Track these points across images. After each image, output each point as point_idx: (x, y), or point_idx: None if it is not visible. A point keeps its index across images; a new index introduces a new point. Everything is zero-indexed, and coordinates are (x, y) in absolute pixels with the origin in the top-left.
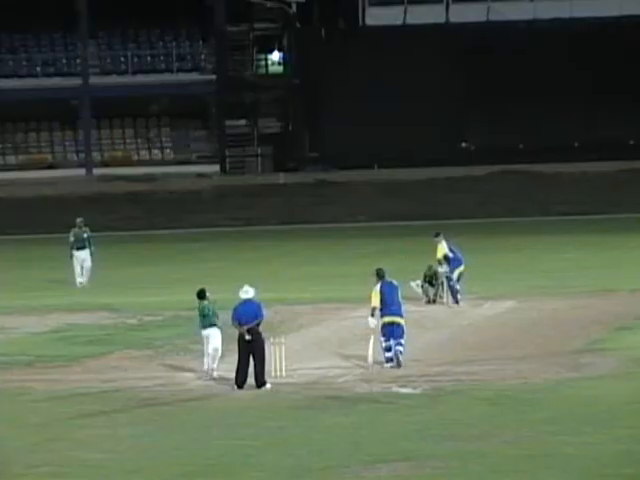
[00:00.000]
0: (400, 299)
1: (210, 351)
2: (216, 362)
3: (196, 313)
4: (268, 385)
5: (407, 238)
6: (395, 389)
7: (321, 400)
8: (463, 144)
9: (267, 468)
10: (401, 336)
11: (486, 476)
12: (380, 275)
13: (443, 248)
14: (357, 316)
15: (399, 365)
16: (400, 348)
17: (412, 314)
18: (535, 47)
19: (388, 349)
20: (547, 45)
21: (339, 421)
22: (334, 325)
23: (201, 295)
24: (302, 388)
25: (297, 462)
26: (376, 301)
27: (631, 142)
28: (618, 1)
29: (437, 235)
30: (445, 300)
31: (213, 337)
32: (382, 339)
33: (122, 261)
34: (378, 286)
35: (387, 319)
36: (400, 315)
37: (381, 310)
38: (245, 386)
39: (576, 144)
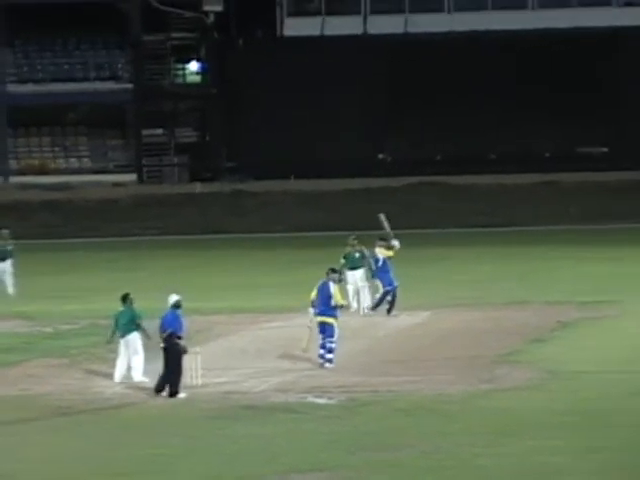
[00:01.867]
0: (332, 301)
1: (136, 356)
2: (141, 366)
3: (111, 321)
4: (181, 394)
5: (324, 249)
6: (311, 399)
7: (236, 410)
8: (380, 155)
9: (180, 477)
10: (330, 335)
11: None
12: (327, 273)
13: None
14: (273, 326)
15: (326, 362)
16: (331, 345)
17: None
18: (452, 59)
19: (322, 346)
20: (464, 57)
21: (254, 431)
22: (250, 335)
23: (126, 299)
24: (218, 397)
25: (211, 471)
26: (313, 295)
27: (547, 155)
28: (534, 14)
29: (381, 239)
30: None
31: (139, 341)
32: (319, 335)
33: (38, 270)
34: (319, 283)
35: (318, 318)
36: (328, 315)
37: (315, 308)
38: (162, 395)
39: (493, 156)
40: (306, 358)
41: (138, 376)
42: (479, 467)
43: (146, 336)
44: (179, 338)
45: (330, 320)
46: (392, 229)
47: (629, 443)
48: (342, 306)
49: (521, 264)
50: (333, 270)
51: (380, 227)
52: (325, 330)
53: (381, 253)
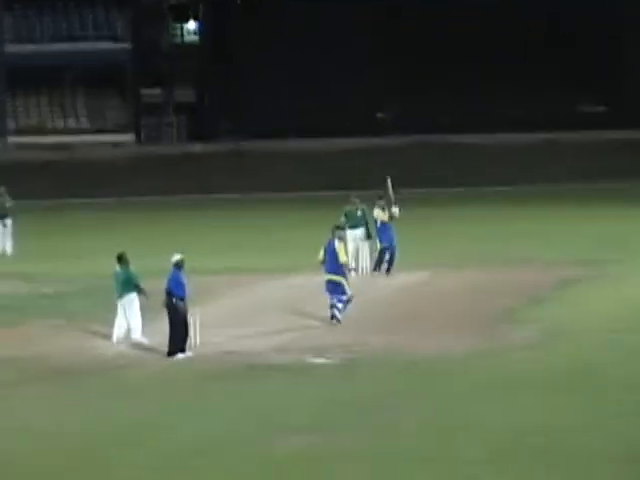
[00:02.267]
0: (340, 259)
1: (134, 317)
2: (139, 326)
3: (112, 281)
4: (179, 355)
5: (322, 209)
6: (309, 359)
7: (235, 370)
8: (379, 114)
9: (176, 436)
10: (339, 293)
11: (397, 447)
12: (333, 232)
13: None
14: (271, 286)
15: (335, 320)
16: (338, 305)
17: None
18: (451, 17)
19: (330, 306)
20: (463, 15)
21: (252, 391)
22: (248, 295)
23: (122, 259)
24: (216, 358)
25: (210, 430)
26: (321, 255)
27: (547, 115)
28: None
29: (380, 198)
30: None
31: (136, 302)
32: (328, 295)
33: (37, 230)
34: (325, 242)
35: (327, 277)
36: (335, 273)
37: (324, 267)
38: (158, 353)
39: (492, 115)
40: (305, 317)
41: (137, 336)
42: (479, 425)
43: (145, 296)
44: (181, 299)
45: (338, 278)
46: (394, 190)
47: (627, 403)
48: (344, 264)
49: (521, 223)
50: (337, 227)
51: (384, 189)
52: (334, 288)
53: (377, 214)
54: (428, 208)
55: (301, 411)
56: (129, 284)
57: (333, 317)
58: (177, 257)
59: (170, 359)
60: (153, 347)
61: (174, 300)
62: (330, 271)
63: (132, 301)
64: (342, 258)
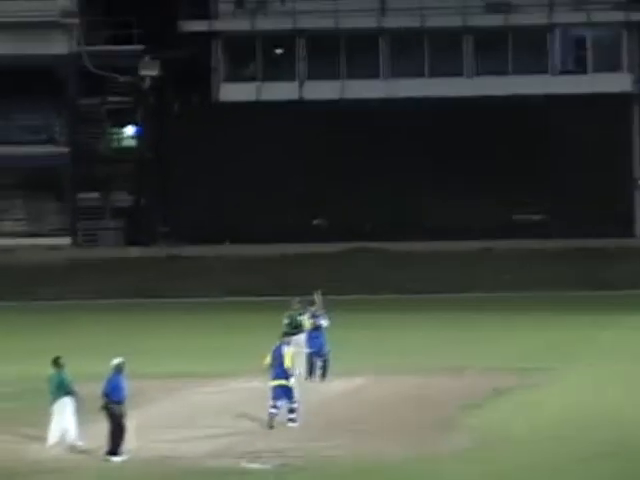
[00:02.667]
0: (284, 363)
1: (67, 420)
2: (75, 430)
3: (46, 384)
4: (118, 458)
5: (258, 314)
6: (244, 464)
7: (171, 475)
8: (316, 221)
9: None
10: (290, 397)
11: None
12: (281, 337)
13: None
14: (207, 391)
15: (292, 421)
16: (292, 406)
17: (264, 390)
18: (389, 125)
19: (274, 407)
20: (401, 124)
21: None
22: (184, 399)
23: (57, 363)
24: (152, 462)
25: None
26: (267, 360)
27: (484, 223)
28: (471, 81)
29: (311, 304)
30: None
31: (70, 405)
32: (271, 400)
33: None
34: (273, 347)
35: (274, 382)
36: (284, 378)
37: (271, 372)
38: (93, 458)
39: (428, 223)
40: (241, 422)
41: (71, 440)
42: None
43: (78, 400)
44: (117, 403)
45: (287, 383)
46: (325, 295)
47: None
48: (287, 369)
49: (456, 331)
50: (286, 333)
51: (313, 303)
52: (284, 393)
53: (304, 321)
54: (364, 314)
55: None
56: (63, 388)
57: (272, 416)
58: (117, 361)
59: (111, 461)
60: (88, 451)
61: (110, 404)
62: (276, 376)
63: (66, 405)
64: (286, 363)
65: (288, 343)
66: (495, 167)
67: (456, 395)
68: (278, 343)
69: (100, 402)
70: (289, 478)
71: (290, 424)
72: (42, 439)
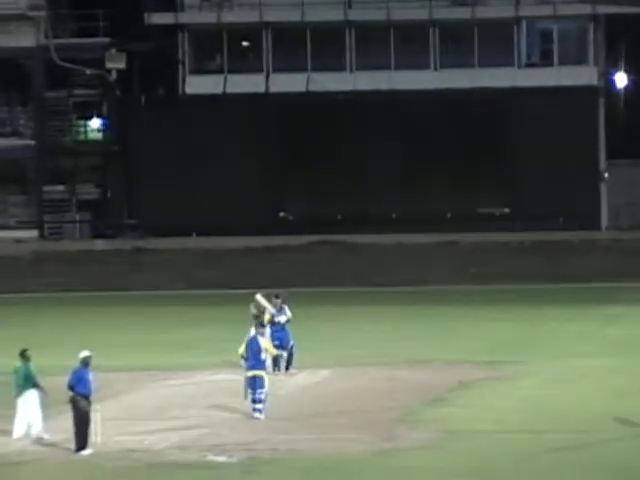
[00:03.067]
0: (262, 355)
1: (34, 413)
2: (40, 423)
3: (12, 377)
4: (84, 452)
5: (224, 306)
6: (211, 457)
7: (136, 468)
8: (282, 213)
9: None
10: (260, 387)
11: None
12: (256, 328)
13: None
14: (173, 384)
15: (258, 411)
16: (260, 396)
17: (230, 382)
18: (354, 118)
19: (252, 401)
20: (366, 117)
21: None
22: (149, 392)
23: (24, 355)
24: (118, 455)
25: None
26: (242, 350)
27: (448, 215)
28: (436, 74)
29: (277, 297)
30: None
31: (36, 398)
32: (249, 390)
33: None
34: (247, 338)
35: (249, 373)
36: (259, 368)
37: (246, 362)
38: (59, 451)
39: (394, 215)
40: (207, 415)
41: (37, 432)
42: None
43: (43, 393)
44: (83, 396)
45: (261, 373)
46: (289, 287)
47: None
48: (279, 355)
49: (421, 323)
50: (261, 324)
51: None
52: (256, 383)
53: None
54: (329, 306)
55: None
56: (29, 380)
57: (255, 411)
58: (84, 354)
59: (77, 455)
60: (54, 443)
61: (75, 397)
62: (251, 367)
63: (32, 397)
64: (272, 352)
65: (262, 334)
66: (461, 160)
67: (421, 388)
68: (253, 334)
69: (66, 395)
70: (255, 471)
71: (256, 414)
72: (7, 432)
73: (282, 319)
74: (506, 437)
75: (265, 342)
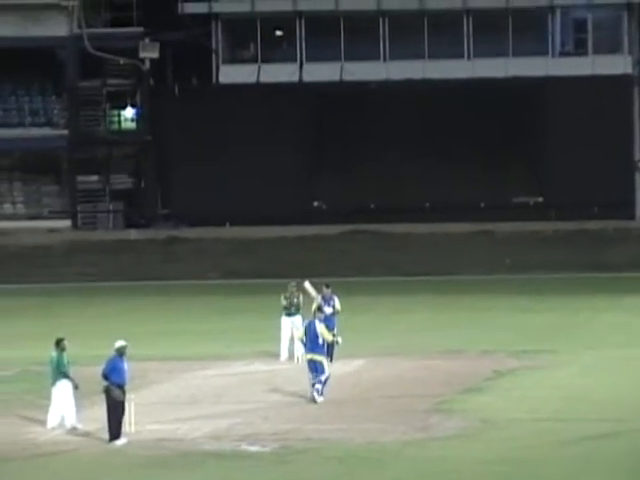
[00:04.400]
0: (320, 340)
1: (67, 403)
2: (73, 413)
3: (47, 367)
4: (118, 442)
5: (257, 296)
6: (244, 447)
7: (169, 457)
8: (315, 203)
9: None
10: (321, 372)
11: None
12: (314, 313)
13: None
14: (207, 374)
15: (314, 400)
16: (321, 379)
17: (263, 373)
18: (388, 108)
19: (312, 385)
20: (399, 106)
21: (186, 479)
22: (184, 382)
23: (59, 345)
24: (151, 445)
25: None
26: (300, 335)
27: (482, 204)
28: (470, 63)
29: (327, 286)
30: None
31: (68, 388)
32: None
33: None
34: (305, 323)
35: (308, 356)
36: (317, 352)
37: (305, 346)
38: (93, 440)
39: (427, 205)
40: (240, 405)
41: (71, 422)
42: None
43: (74, 384)
44: (118, 386)
45: (319, 357)
46: (324, 277)
47: None
48: (336, 342)
49: (456, 313)
50: (318, 309)
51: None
52: (315, 367)
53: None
54: (362, 296)
55: None
56: (60, 370)
57: (317, 392)
58: (120, 343)
59: (111, 445)
60: (88, 433)
61: (109, 386)
62: (309, 350)
63: (65, 387)
64: (328, 337)
65: (320, 319)
66: (495, 149)
67: (455, 377)
68: (310, 319)
69: (100, 385)
70: (288, 461)
71: (318, 397)
72: (43, 422)
73: (328, 310)
74: (540, 426)
75: (321, 327)
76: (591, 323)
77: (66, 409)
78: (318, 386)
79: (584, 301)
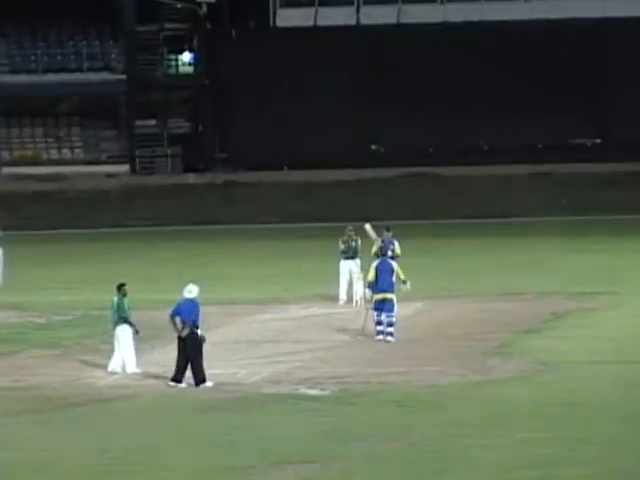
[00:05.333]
0: (393, 277)
1: (126, 348)
2: (132, 358)
3: (108, 311)
4: (208, 383)
5: (316, 240)
6: (303, 390)
7: (229, 401)
8: (373, 146)
9: (172, 468)
10: (390, 310)
11: (391, 478)
12: (379, 255)
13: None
14: (266, 318)
15: (390, 335)
16: (391, 320)
17: (322, 317)
18: (445, 50)
19: (379, 323)
20: (457, 48)
21: (246, 422)
22: (242, 326)
23: (120, 289)
24: (210, 389)
25: (203, 462)
26: (372, 276)
27: (539, 145)
28: (528, 5)
29: (388, 230)
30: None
31: (127, 333)
32: (375, 313)
33: (30, 261)
34: (376, 263)
35: (379, 296)
36: (390, 291)
37: (375, 287)
38: (153, 385)
39: (485, 147)
40: (299, 349)
41: (130, 368)
42: (470, 458)
43: (134, 330)
44: (197, 328)
45: (391, 296)
46: (382, 220)
47: (619, 435)
48: (405, 282)
49: (514, 255)
50: (380, 251)
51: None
52: (385, 306)
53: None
54: (420, 239)
55: (296, 442)
56: (121, 315)
57: (381, 333)
58: (195, 289)
59: (200, 387)
60: (148, 377)
61: (194, 329)
62: (381, 290)
63: (124, 332)
64: (402, 275)
65: (392, 257)
66: (552, 91)
67: (513, 320)
68: (381, 258)
69: (162, 329)
70: (348, 403)
71: (389, 338)
72: (103, 366)
73: (388, 253)
74: (600, 368)
75: (396, 265)
76: None
77: (126, 355)
78: (390, 329)
79: None
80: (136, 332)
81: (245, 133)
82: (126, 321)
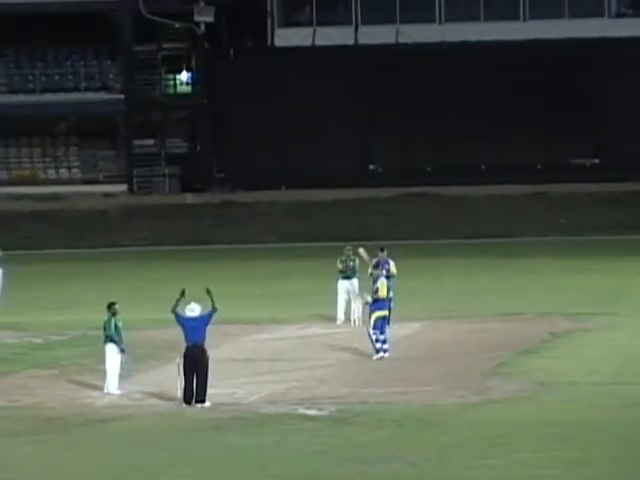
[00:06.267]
0: (379, 293)
1: (109, 367)
2: (114, 378)
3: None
4: (207, 403)
5: (313, 259)
6: (301, 410)
7: (226, 421)
8: (371, 166)
9: None
10: (384, 327)
11: None
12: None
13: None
14: (263, 338)
15: (387, 351)
16: (386, 346)
17: (319, 337)
18: (444, 70)
19: (377, 341)
20: (455, 68)
21: (244, 442)
22: (240, 346)
23: (110, 308)
24: (207, 409)
25: None
26: (384, 293)
27: (538, 166)
28: (526, 25)
29: (382, 250)
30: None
31: (112, 353)
32: (372, 332)
33: (27, 280)
34: (387, 281)
35: (380, 313)
36: (385, 309)
37: (382, 303)
38: (151, 404)
39: (483, 167)
40: (296, 369)
41: (112, 387)
42: (470, 479)
43: (119, 349)
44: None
45: (386, 313)
46: (380, 240)
47: (617, 455)
48: (389, 299)
49: (512, 275)
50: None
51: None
52: (383, 323)
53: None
54: (418, 259)
55: (293, 462)
56: (107, 333)
57: (379, 352)
58: (197, 308)
59: (198, 406)
60: (146, 397)
61: (203, 347)
62: (381, 308)
63: (110, 351)
64: (382, 293)
65: (388, 277)
66: (550, 111)
67: (512, 340)
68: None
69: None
70: (347, 423)
71: (387, 355)
72: (98, 387)
73: (383, 272)
74: (598, 388)
75: (382, 282)
76: None
77: (108, 374)
78: (386, 346)
79: None
80: (122, 350)
81: (243, 153)
82: (112, 340)
